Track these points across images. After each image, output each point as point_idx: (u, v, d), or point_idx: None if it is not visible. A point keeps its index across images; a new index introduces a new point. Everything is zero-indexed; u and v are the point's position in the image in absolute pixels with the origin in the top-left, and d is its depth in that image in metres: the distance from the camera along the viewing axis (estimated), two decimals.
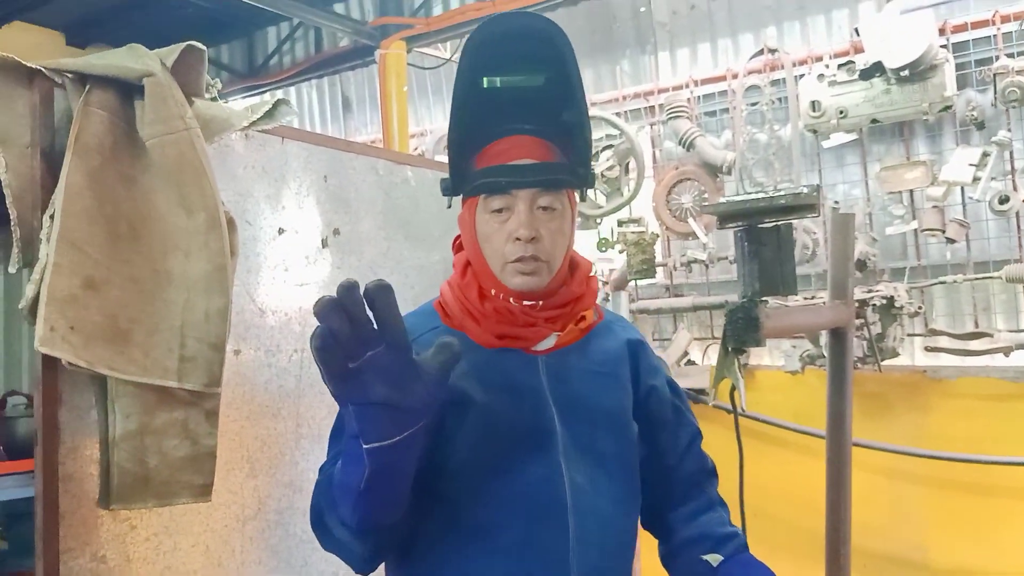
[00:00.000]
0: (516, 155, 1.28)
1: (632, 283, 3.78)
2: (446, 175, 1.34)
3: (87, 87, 1.71)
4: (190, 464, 1.74)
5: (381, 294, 0.92)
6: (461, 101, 1.28)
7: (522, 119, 1.29)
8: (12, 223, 1.66)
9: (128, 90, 1.75)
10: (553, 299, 1.30)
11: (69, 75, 1.73)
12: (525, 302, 1.29)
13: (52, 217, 1.61)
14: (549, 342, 1.31)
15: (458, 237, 1.38)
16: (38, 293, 1.56)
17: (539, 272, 1.27)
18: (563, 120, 1.29)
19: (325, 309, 0.89)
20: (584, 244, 4.29)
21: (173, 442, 1.71)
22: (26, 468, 3.83)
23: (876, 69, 3.22)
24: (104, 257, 1.62)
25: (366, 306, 0.92)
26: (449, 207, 1.40)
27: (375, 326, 0.94)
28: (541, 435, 1.27)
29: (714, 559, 1.35)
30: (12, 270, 1.67)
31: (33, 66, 1.70)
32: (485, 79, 1.28)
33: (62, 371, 1.65)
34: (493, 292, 1.30)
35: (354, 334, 0.92)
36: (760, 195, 1.92)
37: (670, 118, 3.80)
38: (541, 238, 1.26)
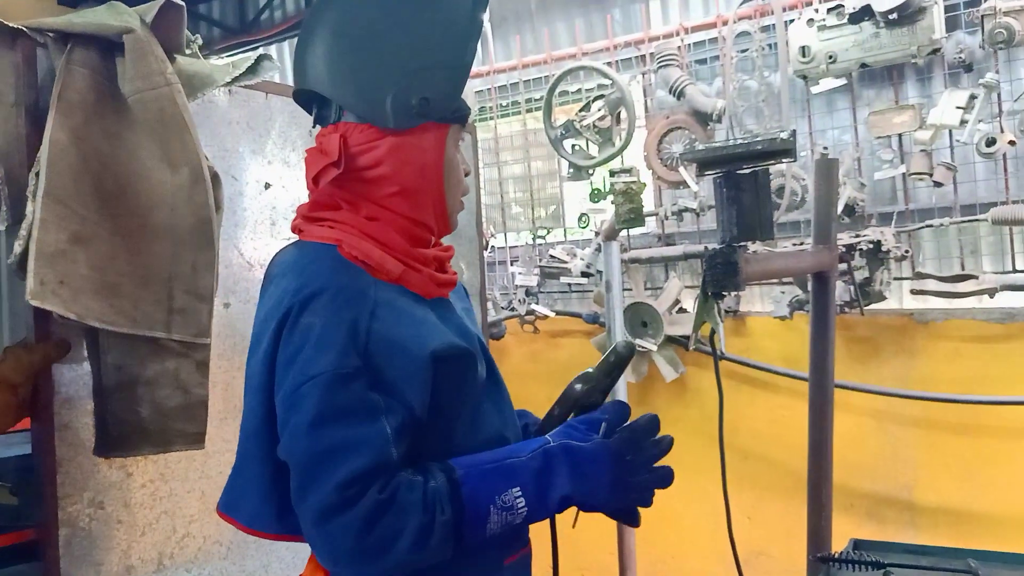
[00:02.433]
0: None
1: (624, 233, 3.80)
2: None
3: (69, 45, 1.74)
4: (183, 413, 1.80)
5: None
6: (468, 27, 1.25)
7: None
8: (0, 181, 1.70)
9: (110, 47, 1.77)
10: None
11: (50, 34, 1.75)
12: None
13: (38, 174, 1.65)
14: None
15: (324, 167, 1.23)
16: (27, 249, 1.60)
17: None
18: None
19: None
20: (577, 194, 4.31)
21: (165, 392, 1.77)
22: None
23: (865, 12, 3.20)
24: (90, 212, 1.66)
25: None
26: (314, 127, 1.31)
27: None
28: (494, 374, 1.32)
29: None
30: (1, 227, 1.71)
31: (15, 26, 1.72)
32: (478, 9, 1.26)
33: (54, 324, 1.70)
34: (426, 234, 1.28)
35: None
36: (736, 141, 1.94)
37: (660, 67, 3.79)
38: None
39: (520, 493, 1.14)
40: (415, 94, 1.21)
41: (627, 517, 1.27)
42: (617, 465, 1.19)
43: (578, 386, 1.28)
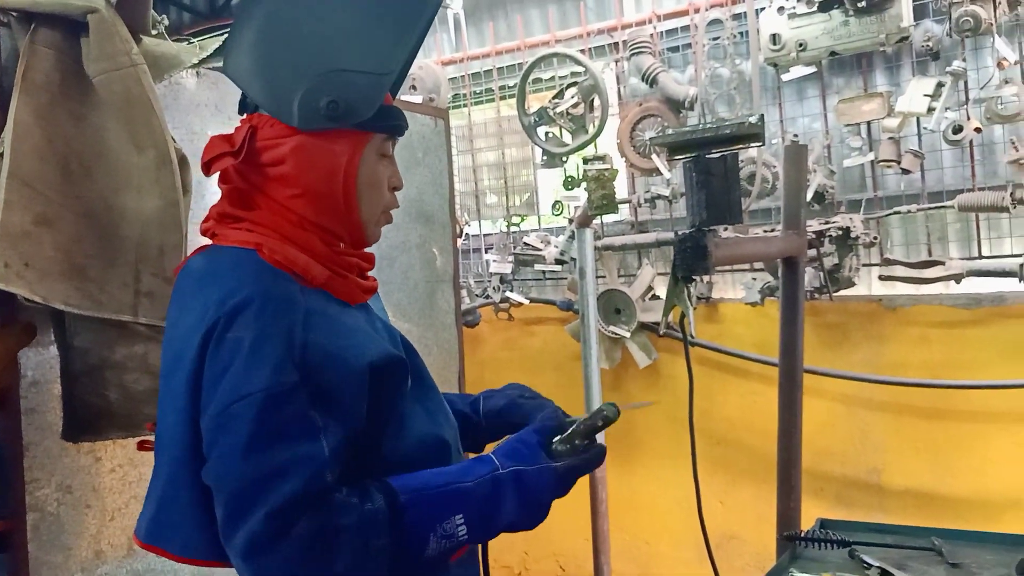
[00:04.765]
0: (389, 98, 1.28)
1: (598, 220, 3.81)
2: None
3: (32, 25, 1.71)
4: (151, 397, 1.79)
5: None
6: (398, 34, 1.20)
7: None
8: None
9: (74, 27, 1.75)
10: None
11: (14, 13, 1.73)
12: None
13: (2, 155, 1.63)
14: None
15: (221, 154, 1.24)
16: None
17: None
18: None
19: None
20: (551, 182, 4.32)
21: (134, 375, 1.76)
22: None
23: (834, 0, 3.23)
24: (56, 194, 1.64)
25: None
26: (240, 113, 1.29)
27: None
28: (422, 374, 1.31)
29: None
30: None
31: None
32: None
33: (20, 307, 1.69)
34: (341, 244, 1.25)
35: None
36: (706, 126, 1.95)
37: (633, 54, 3.80)
38: None
39: (463, 520, 1.11)
40: (324, 96, 1.16)
41: None
42: (559, 489, 1.20)
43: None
